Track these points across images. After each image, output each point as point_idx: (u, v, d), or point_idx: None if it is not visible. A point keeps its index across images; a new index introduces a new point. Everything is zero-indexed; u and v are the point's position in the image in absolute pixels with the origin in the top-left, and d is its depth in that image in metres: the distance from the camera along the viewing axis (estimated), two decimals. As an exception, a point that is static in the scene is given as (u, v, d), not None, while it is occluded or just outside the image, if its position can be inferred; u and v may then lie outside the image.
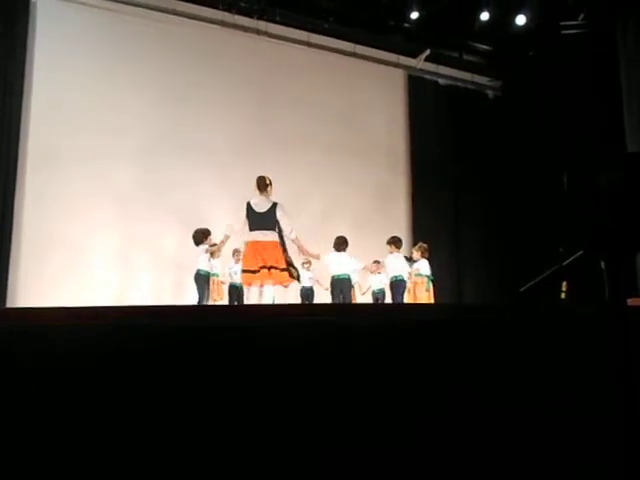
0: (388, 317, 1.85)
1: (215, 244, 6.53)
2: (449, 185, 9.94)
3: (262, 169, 8.33)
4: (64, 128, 7.43)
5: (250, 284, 5.61)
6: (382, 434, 1.50)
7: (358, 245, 7.79)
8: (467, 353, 1.62)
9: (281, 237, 5.59)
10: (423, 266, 7.32)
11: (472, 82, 10.48)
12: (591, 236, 0.98)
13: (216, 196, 8.04)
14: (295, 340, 1.55)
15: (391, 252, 7.35)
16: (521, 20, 8.87)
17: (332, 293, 7.07)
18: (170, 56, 8.23)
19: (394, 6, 8.88)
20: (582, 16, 8.63)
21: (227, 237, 6.02)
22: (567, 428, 1.57)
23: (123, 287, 7.55)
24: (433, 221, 9.57)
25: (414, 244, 8.18)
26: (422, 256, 7.36)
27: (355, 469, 1.47)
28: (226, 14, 8.57)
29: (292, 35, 9.06)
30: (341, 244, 6.96)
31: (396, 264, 7.26)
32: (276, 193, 5.89)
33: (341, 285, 7.01)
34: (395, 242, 7.39)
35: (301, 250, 5.92)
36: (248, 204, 5.66)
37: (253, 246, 5.53)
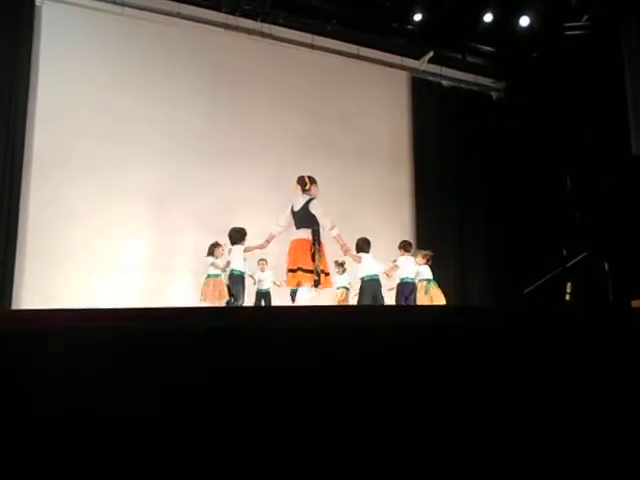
0: (391, 319, 1.86)
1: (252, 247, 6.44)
2: (453, 187, 9.93)
3: (264, 171, 8.38)
4: (69, 133, 7.45)
5: (290, 284, 5.49)
6: (383, 438, 1.50)
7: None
8: (471, 356, 1.63)
9: (314, 234, 5.33)
10: (424, 270, 7.37)
11: (476, 84, 10.48)
12: (595, 238, 0.99)
13: (225, 200, 8.02)
14: (312, 345, 1.55)
15: (402, 255, 7.36)
16: (525, 21, 8.86)
17: (361, 294, 6.74)
18: (173, 59, 8.25)
19: (397, 8, 8.89)
20: (586, 17, 8.63)
21: (266, 243, 5.92)
22: (571, 430, 1.57)
23: (128, 291, 7.53)
24: (436, 223, 9.56)
25: (417, 246, 8.18)
26: (426, 263, 7.40)
27: (356, 472, 1.48)
28: (230, 17, 8.60)
29: (296, 37, 9.09)
30: (366, 245, 6.77)
31: (404, 266, 7.26)
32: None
33: (374, 286, 6.72)
34: (404, 246, 7.41)
35: (343, 249, 5.66)
36: (292, 205, 5.59)
37: (289, 246, 5.45)
